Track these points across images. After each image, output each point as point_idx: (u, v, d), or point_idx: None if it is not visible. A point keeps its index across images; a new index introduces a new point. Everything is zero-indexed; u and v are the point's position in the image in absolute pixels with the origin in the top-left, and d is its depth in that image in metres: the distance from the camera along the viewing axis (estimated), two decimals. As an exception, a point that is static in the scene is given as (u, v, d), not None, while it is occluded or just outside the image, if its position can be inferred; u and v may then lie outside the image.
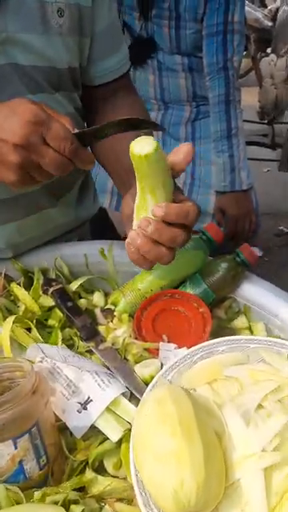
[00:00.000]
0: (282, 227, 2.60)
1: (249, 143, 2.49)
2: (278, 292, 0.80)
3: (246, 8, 3.59)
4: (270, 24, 3.41)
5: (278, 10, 3.15)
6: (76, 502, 0.55)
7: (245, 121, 2.24)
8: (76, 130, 0.62)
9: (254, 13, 3.52)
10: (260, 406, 0.56)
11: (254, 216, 1.65)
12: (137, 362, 0.70)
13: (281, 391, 0.59)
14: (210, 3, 1.52)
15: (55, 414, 0.63)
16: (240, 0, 1.55)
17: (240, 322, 0.79)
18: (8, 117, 0.58)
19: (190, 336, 0.72)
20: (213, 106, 1.60)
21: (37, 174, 0.62)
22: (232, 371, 0.62)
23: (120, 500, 0.56)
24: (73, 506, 0.54)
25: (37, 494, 0.55)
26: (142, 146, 0.55)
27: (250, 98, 2.84)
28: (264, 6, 3.71)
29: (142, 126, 0.63)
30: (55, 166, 0.60)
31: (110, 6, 0.85)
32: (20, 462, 0.55)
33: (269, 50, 3.31)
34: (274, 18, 3.39)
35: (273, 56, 2.54)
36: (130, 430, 0.60)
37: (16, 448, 0.55)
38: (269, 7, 3.58)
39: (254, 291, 0.82)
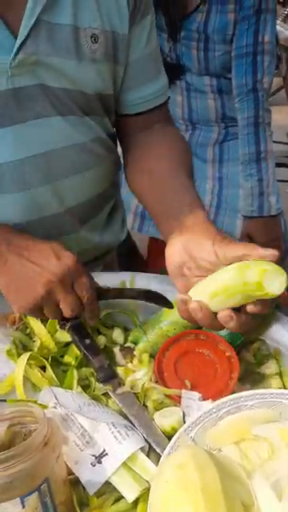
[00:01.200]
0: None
1: (277, 165, 2.44)
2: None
3: (278, 27, 3.57)
4: (302, 42, 3.37)
5: (309, 29, 3.11)
6: None
7: (274, 142, 2.19)
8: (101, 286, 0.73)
9: (285, 32, 3.49)
10: (294, 474, 0.51)
11: (282, 243, 1.60)
12: (156, 410, 0.65)
13: (316, 456, 0.53)
14: (240, 24, 1.49)
15: (67, 465, 0.58)
16: (271, 20, 1.51)
17: (270, 366, 0.73)
18: (51, 256, 0.67)
19: (216, 382, 0.67)
20: (242, 128, 1.56)
21: (48, 311, 0.69)
22: (262, 430, 0.56)
23: None
24: None
25: None
26: (272, 280, 0.57)
27: (279, 117, 2.79)
28: (295, 24, 3.67)
29: (159, 301, 0.74)
30: (70, 308, 0.68)
31: (150, 34, 0.83)
32: (26, 522, 0.51)
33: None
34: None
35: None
36: (147, 489, 0.55)
37: (24, 507, 0.50)
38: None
39: (285, 333, 0.76)
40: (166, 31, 1.60)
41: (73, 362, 0.72)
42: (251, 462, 0.52)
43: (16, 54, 0.67)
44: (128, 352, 0.74)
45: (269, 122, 1.57)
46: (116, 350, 0.75)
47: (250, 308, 0.61)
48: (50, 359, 0.70)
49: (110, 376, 0.69)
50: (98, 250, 0.97)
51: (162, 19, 1.58)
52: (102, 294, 0.73)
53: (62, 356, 0.74)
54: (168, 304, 0.74)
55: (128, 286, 0.83)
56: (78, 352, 0.73)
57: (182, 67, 1.64)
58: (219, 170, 1.72)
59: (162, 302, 0.75)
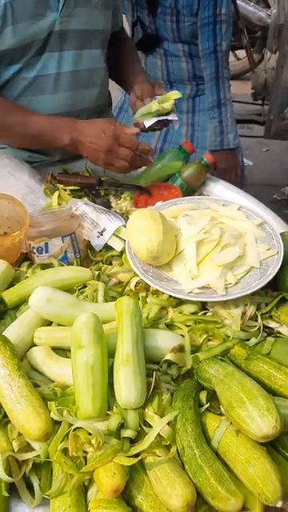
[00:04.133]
0: (275, 195, 3.02)
1: (245, 121, 2.91)
2: (228, 185, 1.23)
3: (251, 8, 4.02)
4: (272, 22, 3.82)
5: (278, 9, 3.55)
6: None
7: (242, 102, 2.64)
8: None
9: (258, 13, 3.94)
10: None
11: (239, 170, 2.06)
12: (134, 219, 1.14)
13: (214, 219, 1.01)
14: (203, 0, 1.92)
15: (84, 239, 1.07)
16: None
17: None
18: (100, 137, 1.11)
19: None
20: (206, 81, 2.00)
21: (116, 162, 1.14)
22: (188, 212, 1.05)
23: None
24: (93, 271, 0.97)
25: (74, 268, 0.99)
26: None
27: (246, 89, 3.25)
28: (268, 6, 4.11)
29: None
30: (126, 158, 1.12)
31: None
32: (65, 251, 1.00)
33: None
34: (276, 17, 3.79)
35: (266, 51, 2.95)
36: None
37: (63, 242, 0.99)
38: (271, 8, 3.99)
39: (214, 186, 1.25)
40: (146, 8, 2.05)
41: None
42: (179, 219, 1.01)
43: (61, 9, 1.14)
44: (117, 197, 1.23)
45: (227, 76, 2.02)
46: (111, 196, 1.24)
47: None
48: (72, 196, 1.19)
49: (108, 206, 1.18)
50: None
51: (144, -1, 2.03)
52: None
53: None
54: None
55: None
56: (88, 197, 1.21)
57: (160, 37, 2.08)
58: (192, 119, 2.17)
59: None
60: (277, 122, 2.24)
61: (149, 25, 2.09)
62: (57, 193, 1.15)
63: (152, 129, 1.22)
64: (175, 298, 0.89)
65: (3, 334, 0.83)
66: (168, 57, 2.11)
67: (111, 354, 0.76)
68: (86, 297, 0.92)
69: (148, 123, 1.20)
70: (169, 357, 0.78)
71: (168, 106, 1.19)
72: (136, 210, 1.16)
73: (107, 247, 1.06)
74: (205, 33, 1.97)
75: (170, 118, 1.20)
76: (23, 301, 0.91)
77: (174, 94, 1.19)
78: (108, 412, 0.71)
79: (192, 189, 1.25)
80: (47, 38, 1.16)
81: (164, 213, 1.04)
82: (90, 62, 1.28)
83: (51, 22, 1.15)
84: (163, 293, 0.89)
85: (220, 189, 1.25)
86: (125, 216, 1.15)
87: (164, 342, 0.80)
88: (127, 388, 0.71)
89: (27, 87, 1.19)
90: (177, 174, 1.24)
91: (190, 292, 0.88)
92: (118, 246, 1.04)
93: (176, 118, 1.21)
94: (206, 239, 0.93)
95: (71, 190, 1.21)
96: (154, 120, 1.19)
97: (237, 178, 2.07)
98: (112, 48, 1.41)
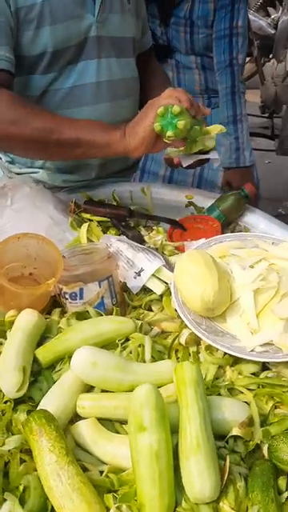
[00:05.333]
0: (280, 209, 2.95)
1: (252, 134, 2.83)
2: (269, 218, 1.13)
3: (252, 17, 3.95)
4: (272, 32, 3.75)
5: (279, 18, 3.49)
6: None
7: (249, 115, 2.56)
8: None
9: (258, 21, 3.87)
10: (251, 266, 0.90)
11: (254, 188, 1.97)
12: (170, 256, 1.03)
13: (265, 260, 0.92)
14: (219, 12, 1.84)
15: (120, 280, 0.96)
16: (243, 8, 1.88)
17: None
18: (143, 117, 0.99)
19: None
20: (222, 96, 1.92)
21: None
22: (235, 251, 0.95)
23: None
24: (136, 321, 0.86)
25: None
26: None
27: (254, 98, 3.18)
28: (268, 15, 4.05)
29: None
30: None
31: None
32: (102, 297, 0.89)
33: (270, 56, 3.66)
34: (276, 27, 3.73)
35: (274, 61, 2.88)
36: (168, 288, 0.93)
37: (100, 287, 0.88)
38: (272, 16, 3.93)
39: (251, 216, 1.15)
40: (158, 18, 1.96)
41: (114, 233, 1.09)
42: (229, 261, 0.91)
43: (98, 14, 1.06)
44: (149, 228, 1.12)
45: (243, 91, 1.94)
46: (141, 227, 1.13)
47: None
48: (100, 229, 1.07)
49: (141, 240, 1.07)
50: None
51: (155, 8, 1.94)
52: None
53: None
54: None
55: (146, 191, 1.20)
56: (117, 230, 1.10)
57: (172, 48, 1.99)
58: (204, 133, 2.09)
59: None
60: (291, 138, 2.17)
61: (160, 35, 2.00)
62: (86, 226, 1.04)
63: (188, 167, 1.08)
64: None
65: (42, 404, 0.72)
66: (180, 69, 2.03)
67: (172, 429, 0.66)
68: (130, 353, 0.81)
69: (186, 162, 1.06)
70: (237, 432, 0.68)
71: (210, 143, 1.03)
72: (171, 244, 1.06)
73: (145, 289, 0.95)
74: (220, 45, 1.90)
75: (211, 156, 1.06)
76: (59, 359, 0.80)
77: (217, 128, 1.04)
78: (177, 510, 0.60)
79: (229, 220, 1.15)
80: (84, 44, 1.08)
81: (209, 252, 0.94)
82: (126, 71, 1.20)
83: (88, 26, 1.07)
84: (218, 349, 0.79)
85: (257, 219, 1.15)
86: (160, 252, 1.04)
87: (231, 413, 0.70)
88: (200, 479, 0.60)
89: (64, 98, 1.11)
90: (214, 203, 1.14)
91: (252, 350, 0.78)
92: (158, 288, 0.94)
93: (217, 157, 1.06)
94: (263, 287, 0.83)
95: (98, 222, 1.10)
96: (194, 159, 1.05)
97: (252, 196, 1.99)
98: (142, 69, 1.31)
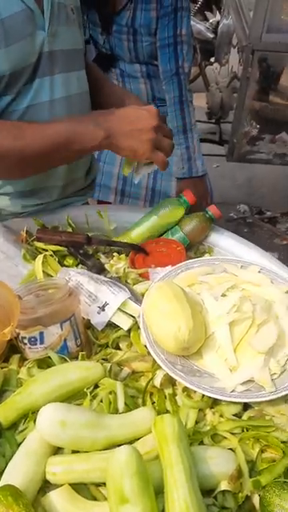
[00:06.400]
0: (231, 214, 2.95)
1: (201, 140, 2.81)
2: (236, 237, 1.09)
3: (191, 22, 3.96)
4: (211, 36, 3.78)
5: (218, 22, 3.51)
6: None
7: (197, 121, 2.54)
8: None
9: (197, 26, 3.88)
10: (223, 295, 0.84)
11: (209, 198, 1.95)
12: (134, 284, 0.97)
13: (236, 287, 0.87)
14: (162, 19, 1.80)
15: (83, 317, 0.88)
16: (186, 16, 1.84)
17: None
18: (144, 115, 0.96)
19: (172, 263, 1.00)
20: (169, 106, 1.88)
21: (161, 148, 0.97)
22: (204, 278, 0.90)
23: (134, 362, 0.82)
24: (104, 365, 0.79)
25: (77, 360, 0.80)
26: None
27: (199, 101, 3.16)
28: (205, 19, 4.08)
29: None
30: (169, 147, 1.00)
31: None
32: (65, 340, 0.81)
33: (212, 59, 3.68)
34: (214, 31, 3.76)
35: (216, 65, 2.88)
36: (135, 322, 0.86)
37: (62, 329, 0.80)
38: (210, 20, 3.96)
39: (216, 236, 1.10)
40: (99, 26, 1.89)
41: (72, 263, 1.01)
42: (199, 290, 0.85)
43: (48, 27, 0.98)
44: (109, 254, 1.05)
45: (191, 99, 1.90)
46: (100, 254, 1.05)
47: None
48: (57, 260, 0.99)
49: (101, 269, 0.99)
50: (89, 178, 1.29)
51: (96, 15, 1.87)
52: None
53: (61, 262, 1.03)
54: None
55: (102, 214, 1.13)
56: (75, 258, 1.02)
57: (116, 56, 1.93)
58: (154, 143, 2.04)
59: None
60: (240, 145, 2.15)
61: (103, 44, 1.94)
62: (41, 258, 0.95)
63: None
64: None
65: (7, 473, 0.63)
66: (125, 78, 1.98)
67: (155, 490, 0.59)
68: (101, 401, 0.74)
69: (137, 178, 1.08)
70: (226, 486, 0.63)
71: None
72: (134, 271, 0.99)
73: (110, 325, 0.88)
74: (165, 54, 1.85)
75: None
76: (22, 416, 0.72)
77: None
78: None
79: (193, 244, 1.10)
80: (38, 62, 1.00)
81: (177, 281, 0.88)
82: (79, 85, 1.12)
83: (41, 42, 0.99)
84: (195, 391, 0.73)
85: (224, 240, 1.10)
86: (123, 280, 0.98)
87: (217, 466, 0.64)
88: None
89: (20, 119, 1.01)
90: (177, 226, 1.08)
91: (233, 391, 0.73)
92: (125, 323, 0.87)
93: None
94: (238, 318, 0.78)
95: (53, 251, 1.01)
96: (145, 172, 1.06)
97: (207, 205, 1.96)
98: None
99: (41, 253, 0.99)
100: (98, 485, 0.66)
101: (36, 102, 1.02)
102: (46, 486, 0.66)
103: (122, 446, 0.59)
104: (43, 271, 0.95)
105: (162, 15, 1.79)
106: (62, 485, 0.64)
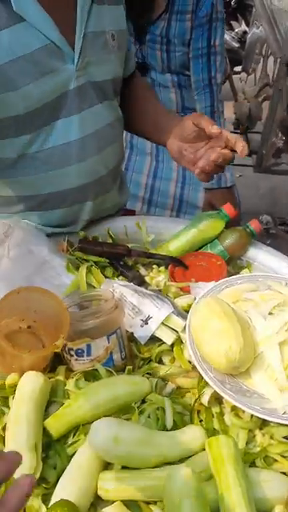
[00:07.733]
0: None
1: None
2: (275, 252, 1.08)
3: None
4: (236, 45, 3.80)
5: (244, 32, 3.52)
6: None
7: (221, 131, 2.52)
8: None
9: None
10: (270, 313, 0.84)
11: (237, 208, 1.94)
12: (175, 298, 0.96)
13: (283, 305, 0.86)
14: (196, 30, 1.80)
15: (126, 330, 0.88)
16: (220, 27, 1.84)
17: (244, 273, 1.06)
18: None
19: (212, 279, 0.99)
20: (200, 116, 1.88)
21: None
22: (249, 295, 0.89)
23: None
24: (150, 379, 0.79)
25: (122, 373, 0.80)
26: None
27: (225, 111, 3.17)
28: (231, 29, 4.09)
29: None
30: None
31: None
32: (111, 353, 0.81)
33: (237, 68, 3.69)
34: (240, 40, 3.77)
35: (243, 74, 2.88)
36: (179, 337, 0.86)
37: (109, 342, 0.80)
38: (235, 30, 3.96)
39: (255, 251, 1.10)
40: (133, 35, 1.90)
41: (111, 274, 1.01)
42: (246, 308, 0.85)
43: (78, 61, 0.92)
44: (148, 267, 1.05)
45: (222, 110, 1.91)
46: (139, 266, 1.05)
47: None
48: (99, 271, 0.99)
49: (142, 281, 0.99)
50: (120, 204, 1.26)
51: (130, 25, 1.87)
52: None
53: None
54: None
55: (141, 225, 1.13)
56: (115, 270, 1.02)
57: (148, 66, 1.94)
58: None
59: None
60: (268, 157, 2.15)
61: (136, 53, 1.94)
62: (84, 268, 0.95)
63: None
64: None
65: (60, 487, 0.63)
66: (156, 87, 1.98)
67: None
68: (149, 417, 0.74)
69: None
70: (280, 511, 0.62)
71: None
72: (174, 284, 0.99)
73: (152, 338, 0.88)
74: (198, 64, 1.86)
75: None
76: (72, 428, 0.72)
77: None
78: None
79: (231, 259, 1.09)
80: (63, 99, 0.94)
81: (222, 297, 0.88)
82: (110, 115, 1.07)
83: (66, 79, 0.92)
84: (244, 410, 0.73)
85: (263, 255, 1.09)
86: (164, 294, 0.97)
87: (271, 489, 0.63)
88: None
89: (45, 162, 0.98)
90: (216, 240, 1.08)
91: (284, 412, 0.72)
92: (168, 338, 0.86)
93: None
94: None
95: (94, 262, 1.02)
96: None
97: (235, 216, 1.95)
98: (127, 95, 1.20)
99: (82, 263, 1.00)
100: (148, 502, 0.66)
101: (62, 143, 0.97)
102: (96, 501, 0.66)
103: (181, 467, 0.59)
104: (86, 282, 0.95)
105: (196, 26, 1.80)
106: (113, 501, 0.64)
